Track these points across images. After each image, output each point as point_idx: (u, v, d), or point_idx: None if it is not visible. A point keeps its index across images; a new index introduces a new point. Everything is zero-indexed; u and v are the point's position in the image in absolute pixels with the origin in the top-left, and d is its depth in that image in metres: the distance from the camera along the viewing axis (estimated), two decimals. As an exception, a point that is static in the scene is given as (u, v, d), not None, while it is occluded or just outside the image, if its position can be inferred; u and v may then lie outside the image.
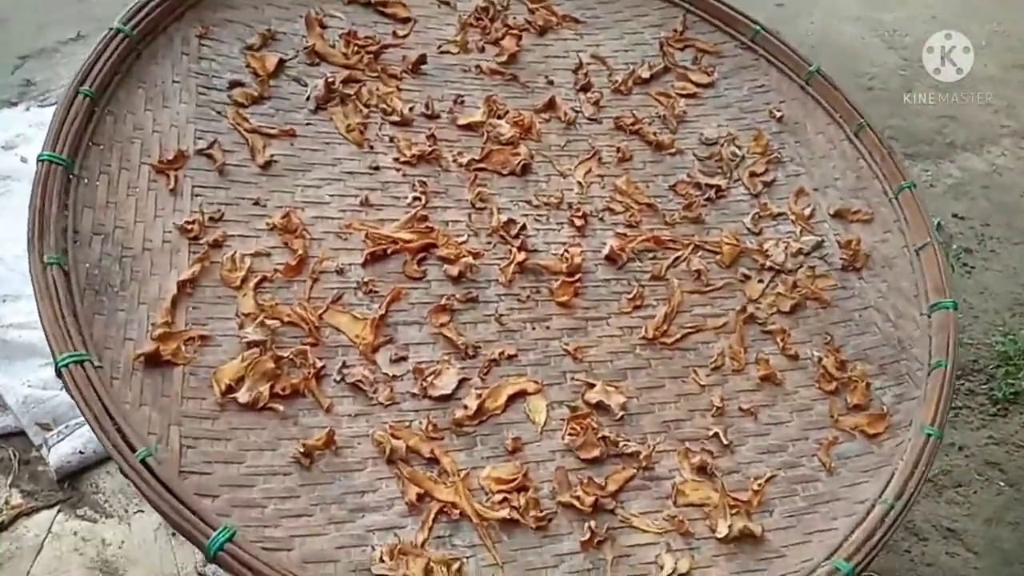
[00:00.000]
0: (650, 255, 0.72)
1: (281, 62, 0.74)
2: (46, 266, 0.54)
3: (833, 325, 0.70)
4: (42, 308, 0.52)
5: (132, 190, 0.63)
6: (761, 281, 0.72)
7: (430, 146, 0.73)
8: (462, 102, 0.78)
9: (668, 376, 0.65)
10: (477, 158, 0.74)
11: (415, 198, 0.70)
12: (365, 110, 0.74)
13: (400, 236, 0.66)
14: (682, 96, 0.84)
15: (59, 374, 0.50)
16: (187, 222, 0.62)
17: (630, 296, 0.69)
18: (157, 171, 0.64)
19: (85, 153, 0.62)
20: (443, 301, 0.64)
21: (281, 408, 0.56)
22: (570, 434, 0.59)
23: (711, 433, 0.62)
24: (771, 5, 1.59)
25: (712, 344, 0.68)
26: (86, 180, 0.61)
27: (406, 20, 0.82)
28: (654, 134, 0.80)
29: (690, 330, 0.68)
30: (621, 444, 0.59)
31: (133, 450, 0.49)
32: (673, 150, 0.80)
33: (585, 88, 0.83)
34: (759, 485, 0.59)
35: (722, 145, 0.81)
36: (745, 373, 0.66)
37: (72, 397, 0.49)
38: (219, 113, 0.70)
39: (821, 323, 0.70)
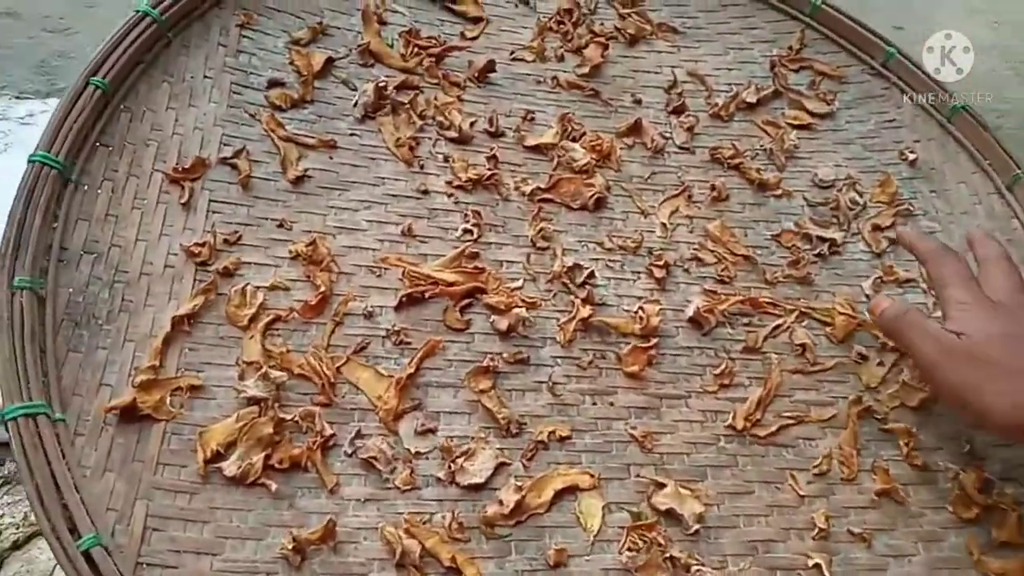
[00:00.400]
0: (744, 320, 0.59)
1: (330, 60, 0.64)
2: (15, 291, 0.45)
3: (974, 429, 0.56)
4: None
5: (138, 202, 0.54)
6: (881, 364, 0.58)
7: (490, 169, 0.62)
8: (532, 119, 0.66)
9: (759, 480, 0.52)
10: (543, 187, 0.63)
11: (466, 231, 0.59)
12: (419, 122, 0.63)
13: (443, 276, 0.55)
14: (794, 127, 0.71)
15: (6, 427, 0.41)
16: (196, 244, 0.53)
17: (717, 372, 0.56)
18: (171, 180, 0.55)
19: (89, 155, 0.53)
20: (486, 361, 0.53)
21: (275, 486, 0.45)
22: (629, 549, 0.47)
23: (811, 563, 0.49)
24: (889, 27, 1.43)
25: (816, 442, 0.54)
26: (86, 187, 0.52)
27: (477, 20, 0.71)
28: (757, 171, 0.67)
29: (790, 421, 0.55)
30: (694, 569, 0.47)
31: (77, 536, 0.39)
32: (779, 192, 0.67)
33: (678, 111, 0.70)
34: (872, 646, 0.46)
35: (840, 190, 0.68)
36: (857, 484, 0.53)
37: (15, 459, 0.40)
38: (252, 116, 0.60)
39: (958, 426, 0.56)
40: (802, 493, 0.52)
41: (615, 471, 0.51)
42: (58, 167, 0.50)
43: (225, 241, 0.54)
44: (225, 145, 0.58)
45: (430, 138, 0.63)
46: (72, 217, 0.51)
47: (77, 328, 0.47)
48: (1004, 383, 0.44)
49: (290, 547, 0.43)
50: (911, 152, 0.70)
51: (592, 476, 0.50)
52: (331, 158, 0.60)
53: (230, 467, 0.45)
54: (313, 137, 0.61)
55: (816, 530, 0.50)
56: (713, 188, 0.66)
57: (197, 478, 0.45)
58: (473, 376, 0.52)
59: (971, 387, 0.45)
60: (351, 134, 0.62)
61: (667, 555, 0.47)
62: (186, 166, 0.56)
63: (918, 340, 0.48)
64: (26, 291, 0.45)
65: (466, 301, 0.55)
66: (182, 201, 0.54)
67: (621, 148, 0.67)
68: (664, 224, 0.63)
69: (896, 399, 0.57)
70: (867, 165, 0.70)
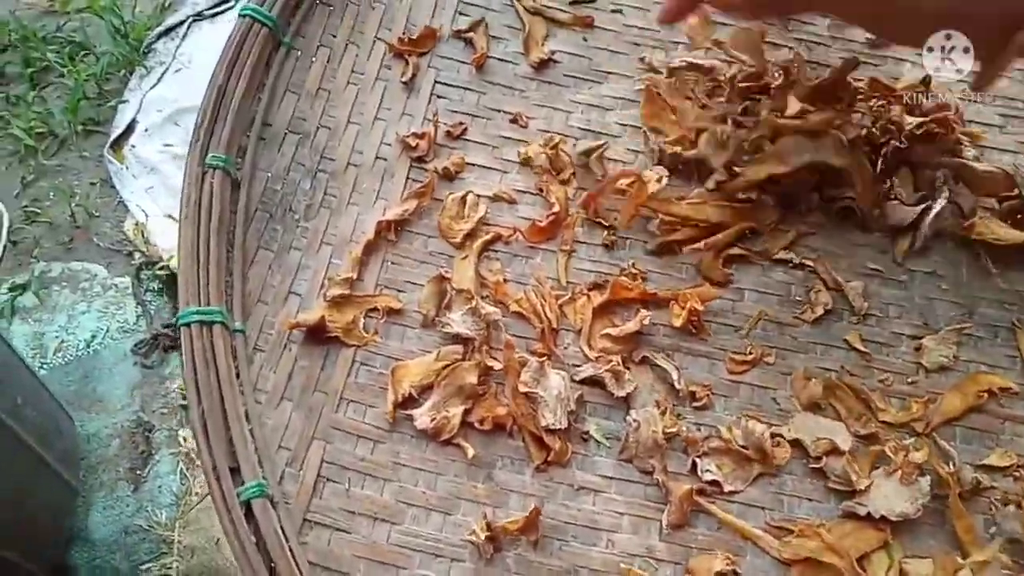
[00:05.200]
0: None
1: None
2: (207, 170, 0.38)
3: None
4: (182, 233, 0.36)
5: (355, 76, 0.45)
6: None
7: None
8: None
9: None
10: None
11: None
12: None
13: (700, 217, 0.41)
14: None
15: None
16: (415, 134, 0.43)
17: None
18: (394, 53, 0.46)
19: (307, 15, 0.45)
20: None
21: (472, 451, 0.36)
22: None
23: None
24: None
25: None
26: (299, 52, 0.44)
27: None
28: None
29: None
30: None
31: (240, 482, 0.32)
32: None
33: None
34: None
35: None
36: None
37: (183, 376, 0.34)
38: (496, -19, 0.49)
39: None
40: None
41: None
42: (270, 23, 0.42)
43: (448, 134, 0.44)
44: (460, 15, 0.47)
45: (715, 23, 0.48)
46: (280, 88, 0.43)
47: (271, 221, 0.40)
48: None
49: (484, 534, 0.34)
50: None
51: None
52: (585, 40, 0.47)
53: (423, 418, 0.36)
54: (567, 12, 0.48)
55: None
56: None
57: (384, 423, 0.37)
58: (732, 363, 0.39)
59: None
60: (613, 10, 0.48)
61: None
62: (413, 36, 0.46)
63: None
64: (219, 171, 0.38)
65: (731, 250, 0.41)
66: (404, 79, 0.45)
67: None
68: None
69: None
70: None
